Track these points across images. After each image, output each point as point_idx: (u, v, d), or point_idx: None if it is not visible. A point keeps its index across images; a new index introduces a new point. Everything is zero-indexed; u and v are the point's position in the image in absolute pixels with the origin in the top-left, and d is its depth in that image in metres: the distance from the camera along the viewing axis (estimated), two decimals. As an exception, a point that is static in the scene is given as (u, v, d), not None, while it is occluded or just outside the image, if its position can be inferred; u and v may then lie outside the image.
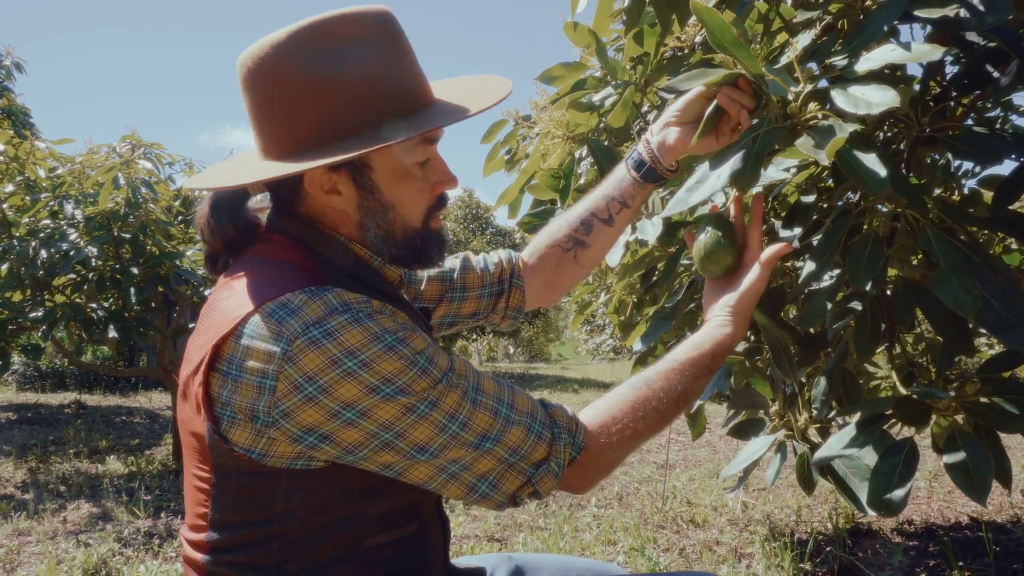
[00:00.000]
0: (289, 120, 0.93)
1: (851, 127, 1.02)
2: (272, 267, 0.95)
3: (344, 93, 0.92)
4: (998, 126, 1.65)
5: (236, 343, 0.86)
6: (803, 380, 1.51)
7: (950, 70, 1.50)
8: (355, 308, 0.86)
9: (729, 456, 5.72)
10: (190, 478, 0.95)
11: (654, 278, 1.99)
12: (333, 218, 1.01)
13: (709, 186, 1.12)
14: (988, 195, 1.66)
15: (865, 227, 1.39)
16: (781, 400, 1.49)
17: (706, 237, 1.16)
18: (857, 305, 1.32)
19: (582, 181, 1.87)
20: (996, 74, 1.30)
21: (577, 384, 14.42)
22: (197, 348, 0.91)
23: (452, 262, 1.40)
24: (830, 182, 1.85)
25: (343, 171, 0.97)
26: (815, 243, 1.27)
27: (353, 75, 0.92)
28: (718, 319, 1.14)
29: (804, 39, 1.30)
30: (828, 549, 3.06)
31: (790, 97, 1.17)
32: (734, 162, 1.11)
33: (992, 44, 1.29)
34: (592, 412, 1.04)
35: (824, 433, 1.52)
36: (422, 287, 1.35)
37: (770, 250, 1.13)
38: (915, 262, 1.39)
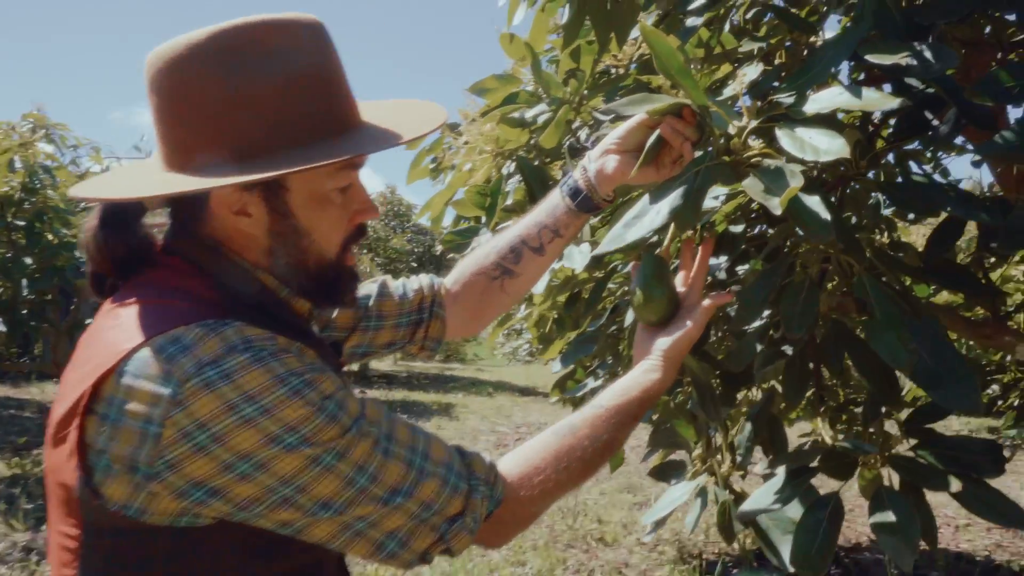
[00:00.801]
0: (200, 131, 0.83)
1: (799, 172, 0.97)
2: (166, 295, 0.84)
3: (265, 106, 0.82)
4: (932, 173, 1.64)
5: (118, 382, 0.75)
6: (727, 423, 1.46)
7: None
8: (257, 346, 0.77)
9: (641, 470, 5.75)
10: (55, 536, 0.82)
11: (577, 302, 1.92)
12: (239, 243, 0.90)
13: (648, 223, 1.06)
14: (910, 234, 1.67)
15: (797, 270, 1.36)
16: (704, 444, 1.44)
17: (644, 284, 1.11)
18: (787, 349, 1.28)
19: (509, 201, 1.79)
20: (935, 121, 1.29)
21: (492, 387, 14.36)
22: (73, 384, 0.79)
23: (368, 288, 1.30)
24: (758, 213, 1.83)
25: (256, 191, 0.86)
26: (747, 287, 1.22)
27: (277, 88, 0.82)
28: (648, 364, 1.09)
29: (752, 72, 1.25)
30: (735, 572, 3.07)
31: (732, 131, 1.12)
32: (674, 198, 1.05)
33: (931, 91, 1.27)
34: (513, 461, 0.96)
35: (747, 478, 1.48)
36: (334, 315, 1.25)
37: (711, 300, 1.09)
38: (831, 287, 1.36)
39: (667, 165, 1.13)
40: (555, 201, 1.26)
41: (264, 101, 0.82)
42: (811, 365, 1.32)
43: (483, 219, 1.80)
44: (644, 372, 1.08)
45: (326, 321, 1.24)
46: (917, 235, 4.05)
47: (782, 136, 1.00)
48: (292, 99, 0.83)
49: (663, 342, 1.09)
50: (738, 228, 1.66)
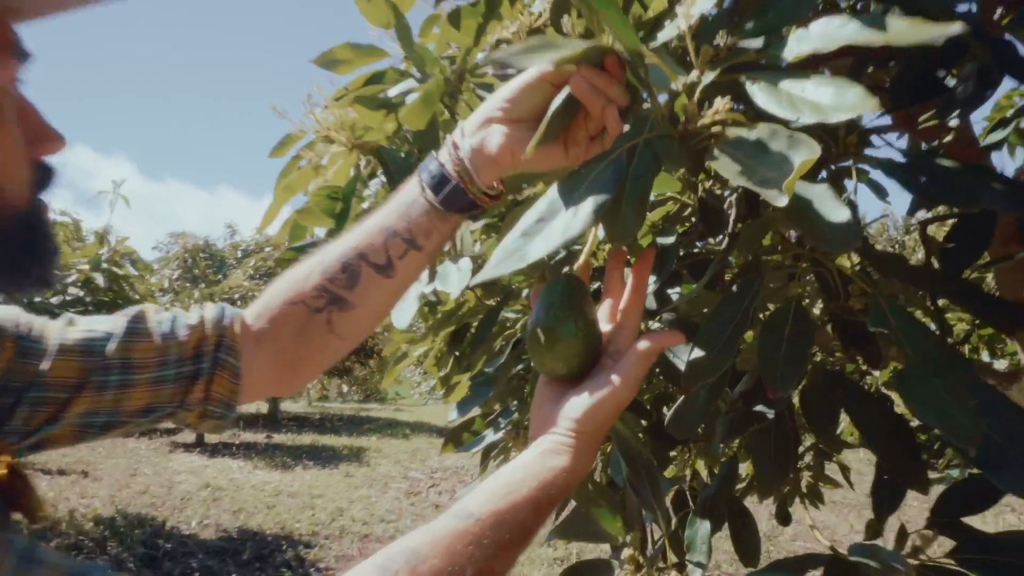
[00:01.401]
0: None
1: (807, 137, 0.58)
2: None
3: None
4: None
5: None
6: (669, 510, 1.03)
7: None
8: None
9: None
10: None
11: (469, 335, 1.47)
12: None
13: (560, 230, 0.67)
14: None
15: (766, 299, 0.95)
16: (637, 540, 1.01)
17: (549, 319, 0.71)
18: (765, 411, 0.85)
19: (366, 205, 1.34)
20: (949, 80, 0.90)
21: (409, 428, 13.77)
22: None
23: (108, 323, 0.83)
24: (692, 221, 1.43)
25: None
26: (708, 322, 0.80)
27: None
28: (551, 442, 0.70)
29: (702, 3, 0.84)
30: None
31: (678, 88, 0.73)
32: (599, 191, 0.67)
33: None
34: None
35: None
36: (42, 365, 0.77)
37: (650, 343, 0.71)
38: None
39: (581, 142, 0.77)
40: (411, 196, 0.84)
41: None
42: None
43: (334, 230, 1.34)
44: (543, 455, 0.69)
45: (29, 375, 0.77)
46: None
47: (757, 92, 0.65)
48: None
49: (574, 407, 0.70)
50: (668, 239, 1.26)
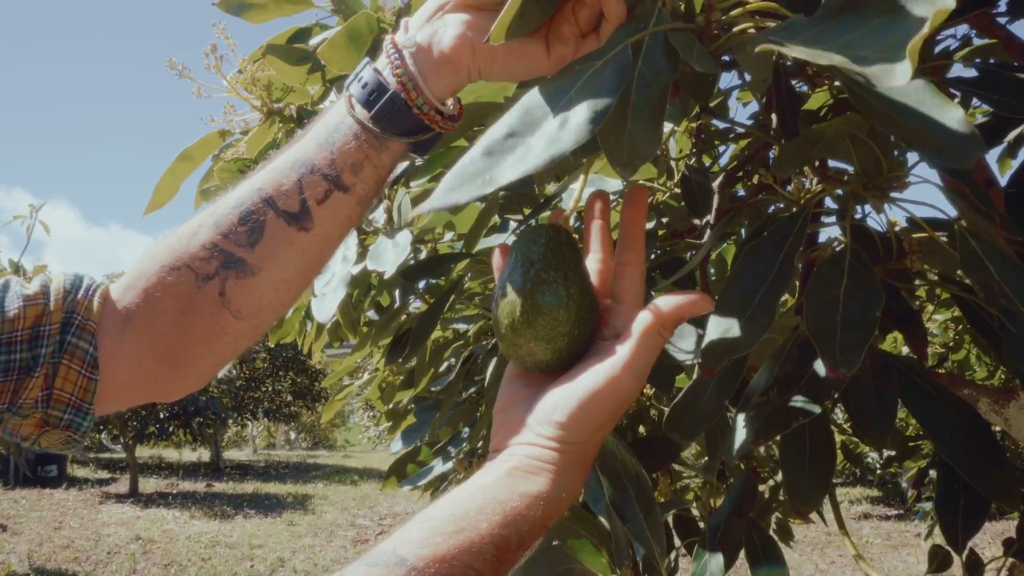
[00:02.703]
0: None
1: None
2: None
3: None
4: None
5: None
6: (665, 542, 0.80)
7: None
8: None
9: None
10: None
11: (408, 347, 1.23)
12: None
13: (541, 147, 0.47)
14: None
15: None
16: (627, 580, 0.77)
17: (527, 281, 0.50)
18: (808, 405, 0.63)
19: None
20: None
21: (358, 475, 13.29)
22: None
23: None
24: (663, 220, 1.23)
25: None
26: (734, 275, 0.59)
27: None
28: (522, 457, 0.50)
29: None
30: None
31: None
32: (597, 94, 0.48)
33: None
34: None
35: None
36: None
37: (663, 308, 0.50)
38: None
39: (568, 38, 0.57)
40: (335, 118, 0.62)
41: None
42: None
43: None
44: (510, 475, 0.49)
45: None
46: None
47: None
48: None
49: (558, 404, 0.49)
50: (647, 224, 1.06)
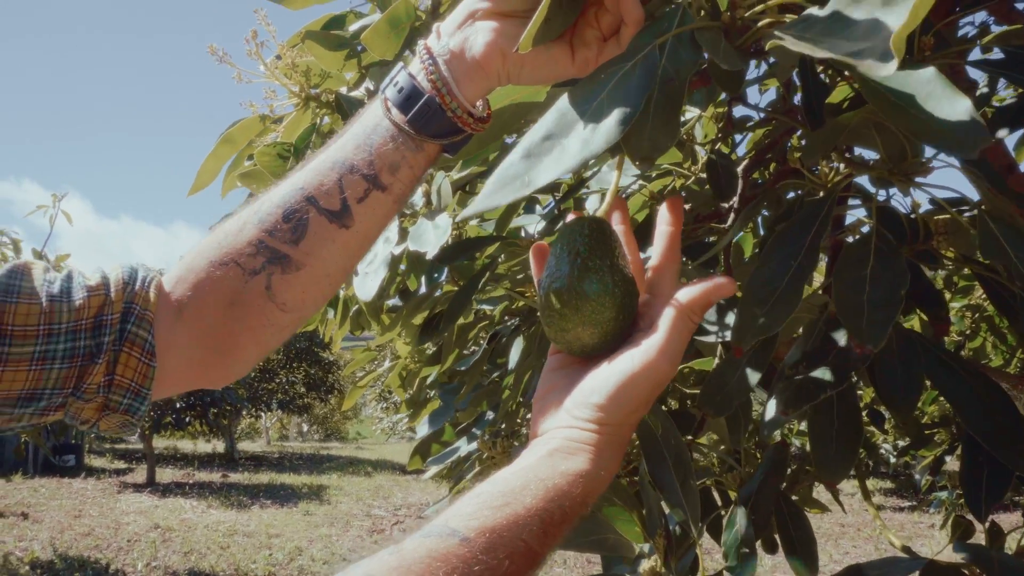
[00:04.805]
0: None
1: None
2: None
3: None
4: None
5: None
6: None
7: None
8: None
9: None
10: None
11: (439, 327, 1.26)
12: None
13: (575, 149, 0.52)
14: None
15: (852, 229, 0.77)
16: (661, 545, 0.80)
17: (570, 270, 0.54)
18: (836, 377, 0.65)
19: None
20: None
21: (371, 466, 13.37)
22: None
23: None
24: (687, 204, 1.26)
25: None
26: (764, 258, 0.62)
27: None
28: (563, 438, 0.53)
29: None
30: None
31: None
32: (626, 97, 0.52)
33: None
34: None
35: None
36: None
37: (692, 294, 0.53)
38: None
39: (591, 43, 0.61)
40: (372, 120, 0.65)
41: None
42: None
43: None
44: (552, 456, 0.53)
45: None
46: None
47: None
48: None
49: (596, 388, 0.54)
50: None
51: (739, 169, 1.18)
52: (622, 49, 0.56)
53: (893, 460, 7.77)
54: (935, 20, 0.76)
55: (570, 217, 0.58)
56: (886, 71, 0.37)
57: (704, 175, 1.24)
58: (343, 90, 1.16)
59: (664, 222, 0.58)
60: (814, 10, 0.49)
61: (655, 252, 0.58)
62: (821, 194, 1.02)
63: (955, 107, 0.45)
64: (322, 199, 0.65)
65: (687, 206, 1.28)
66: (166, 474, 10.89)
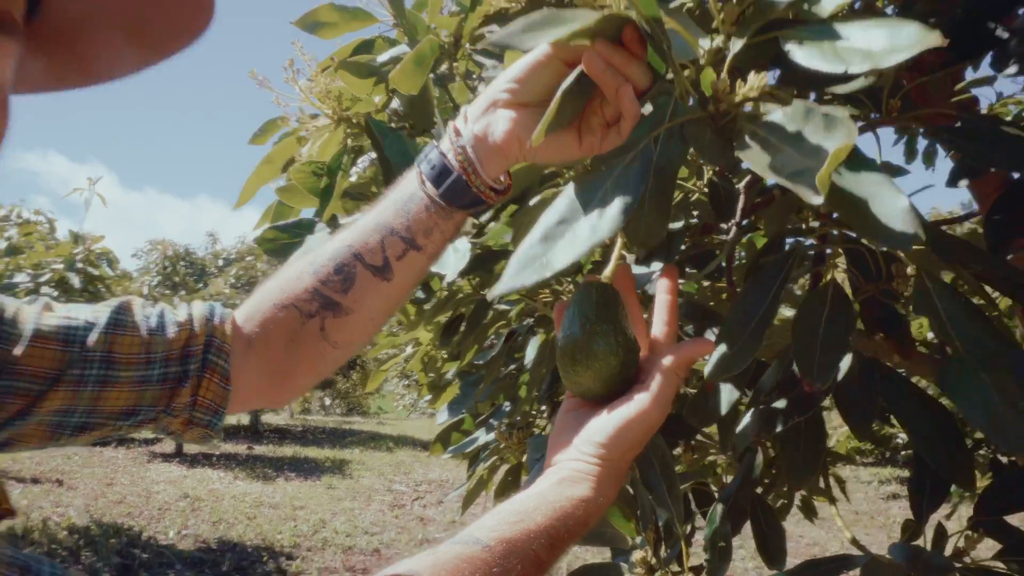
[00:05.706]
0: None
1: (846, 116, 0.51)
2: None
3: None
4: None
5: None
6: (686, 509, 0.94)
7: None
8: None
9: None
10: None
11: (462, 328, 1.37)
12: None
13: (585, 235, 0.62)
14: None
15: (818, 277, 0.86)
16: (651, 539, 0.91)
17: (584, 332, 0.65)
18: (796, 404, 0.76)
19: (354, 179, 1.25)
20: (1001, 33, 0.82)
21: (393, 442, 13.61)
22: None
23: (92, 310, 0.75)
24: (695, 213, 1.34)
25: None
26: (731, 314, 0.71)
27: None
28: (570, 470, 0.65)
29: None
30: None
31: (702, 59, 0.65)
32: (627, 187, 0.61)
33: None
34: None
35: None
36: (15, 350, 0.69)
37: (677, 355, 0.65)
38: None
39: (596, 129, 0.69)
40: (409, 189, 0.77)
41: None
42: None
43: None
44: (560, 484, 0.64)
45: None
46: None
47: (796, 50, 0.57)
48: None
49: (599, 429, 0.65)
50: (675, 225, 1.18)
51: (742, 185, 1.27)
52: (622, 138, 0.66)
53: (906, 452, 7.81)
54: (908, 82, 0.85)
55: (582, 279, 0.69)
56: (816, 201, 0.46)
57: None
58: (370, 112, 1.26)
59: (663, 291, 0.69)
60: (779, 115, 0.57)
61: (656, 319, 0.69)
62: (803, 226, 1.12)
63: (895, 205, 0.52)
64: (367, 256, 0.77)
65: (695, 213, 1.37)
66: (193, 445, 11.18)
